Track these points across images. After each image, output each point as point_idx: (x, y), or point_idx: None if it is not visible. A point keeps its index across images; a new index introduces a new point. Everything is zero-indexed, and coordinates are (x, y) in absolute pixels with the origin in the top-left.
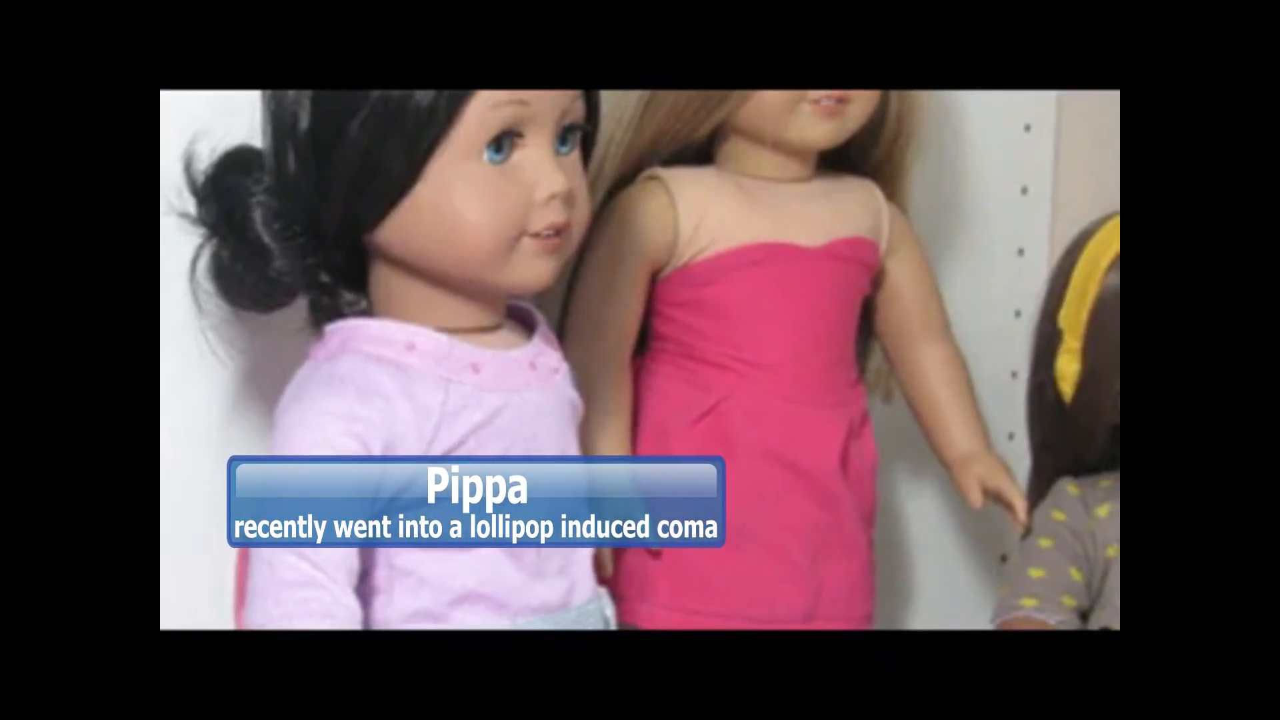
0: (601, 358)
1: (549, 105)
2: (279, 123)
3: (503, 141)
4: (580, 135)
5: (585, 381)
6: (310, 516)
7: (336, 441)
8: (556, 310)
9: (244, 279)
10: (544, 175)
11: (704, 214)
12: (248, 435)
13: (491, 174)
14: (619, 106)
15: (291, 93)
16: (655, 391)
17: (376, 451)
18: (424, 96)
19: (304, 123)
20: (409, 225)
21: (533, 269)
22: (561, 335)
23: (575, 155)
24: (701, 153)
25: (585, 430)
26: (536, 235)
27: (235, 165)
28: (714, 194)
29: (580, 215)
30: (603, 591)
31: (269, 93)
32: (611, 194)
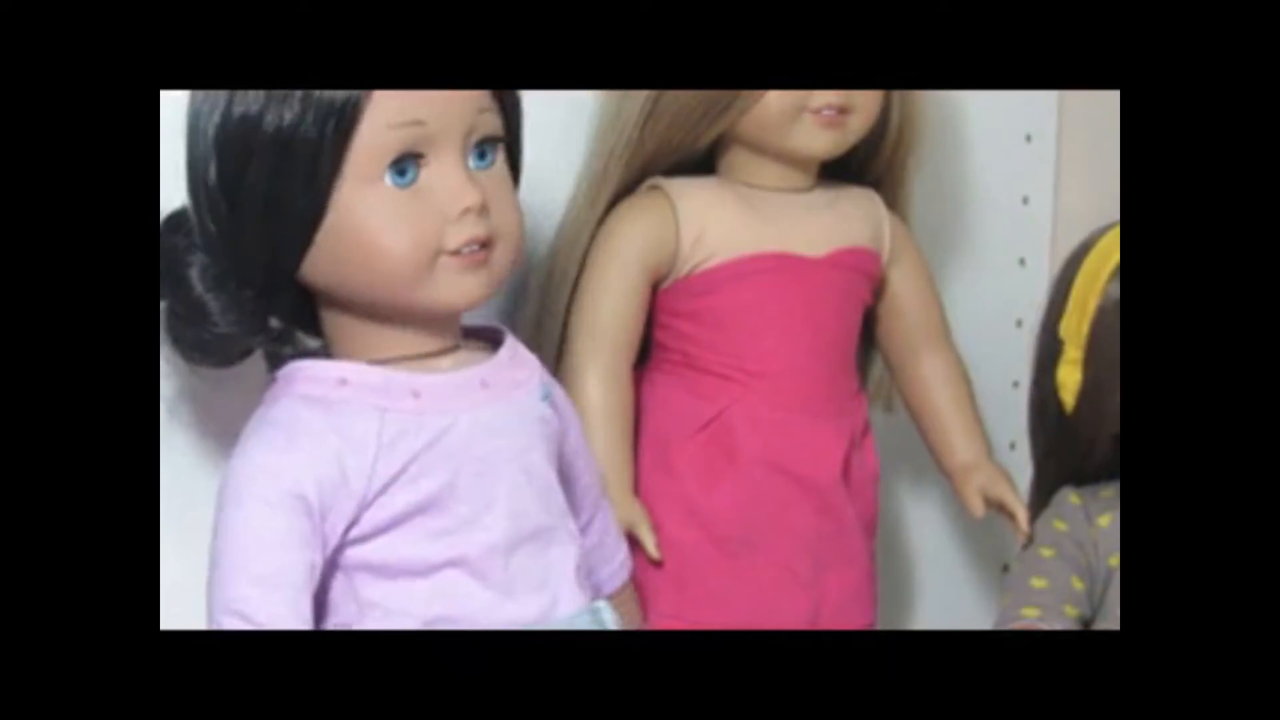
0: (602, 367)
1: (449, 123)
2: (193, 176)
3: (405, 164)
4: (504, 148)
5: (585, 391)
6: (252, 585)
7: (272, 498)
8: (559, 321)
9: (196, 337)
10: (454, 192)
11: (705, 224)
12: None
13: (398, 196)
14: (620, 118)
15: (201, 146)
16: (657, 401)
17: (311, 495)
18: (311, 127)
19: (212, 173)
20: (327, 258)
21: (456, 287)
22: (563, 344)
23: (498, 168)
24: (703, 163)
25: (585, 439)
26: (456, 253)
27: (172, 227)
28: (716, 204)
29: (508, 227)
30: (601, 605)
31: (187, 147)
32: (614, 204)
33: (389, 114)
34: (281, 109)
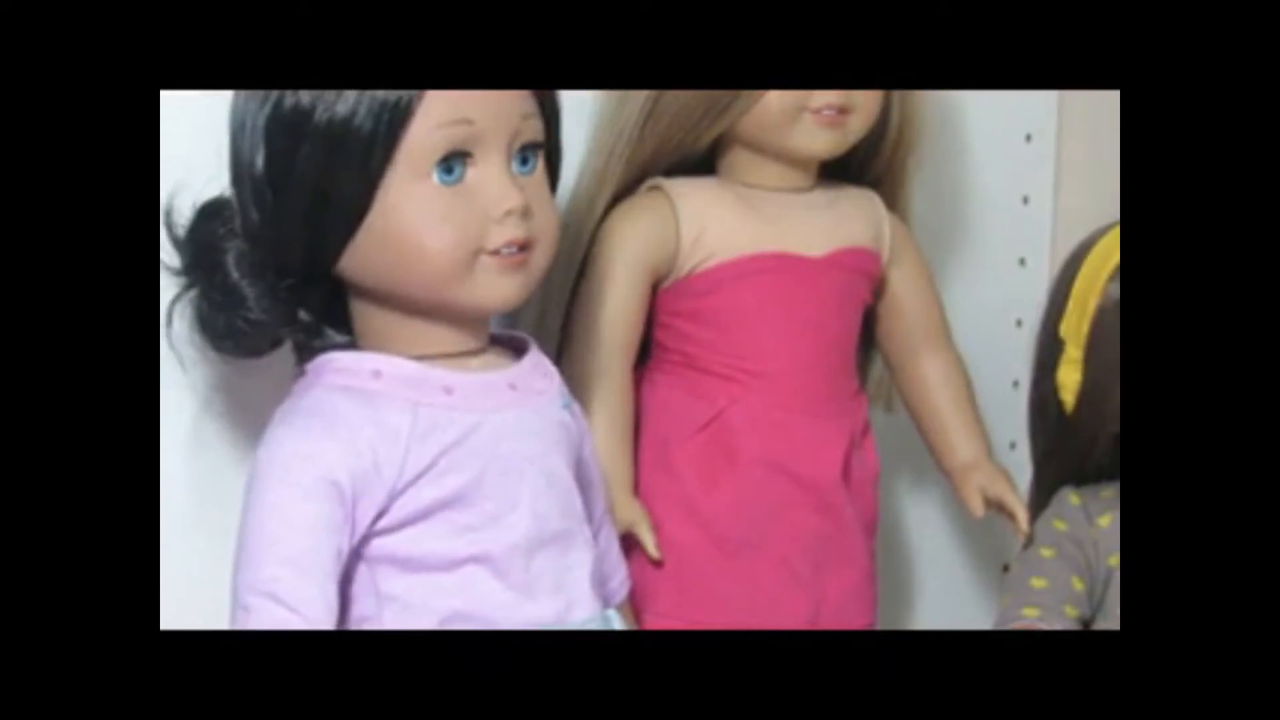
0: (602, 367)
1: (497, 124)
2: (238, 165)
3: (452, 163)
4: (544, 154)
5: (585, 390)
6: (282, 566)
7: (306, 483)
8: (560, 321)
9: (226, 325)
10: (498, 192)
11: (705, 224)
12: (249, 436)
13: (444, 194)
14: (620, 118)
15: (247, 134)
16: (657, 401)
17: (345, 482)
18: (365, 121)
19: (259, 162)
20: (368, 252)
21: (496, 288)
22: (563, 344)
23: (539, 174)
24: (703, 163)
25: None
26: (496, 253)
27: (210, 214)
28: (716, 204)
29: (546, 232)
30: (611, 614)
31: (231, 136)
32: (614, 204)
33: (441, 112)
34: (335, 102)
